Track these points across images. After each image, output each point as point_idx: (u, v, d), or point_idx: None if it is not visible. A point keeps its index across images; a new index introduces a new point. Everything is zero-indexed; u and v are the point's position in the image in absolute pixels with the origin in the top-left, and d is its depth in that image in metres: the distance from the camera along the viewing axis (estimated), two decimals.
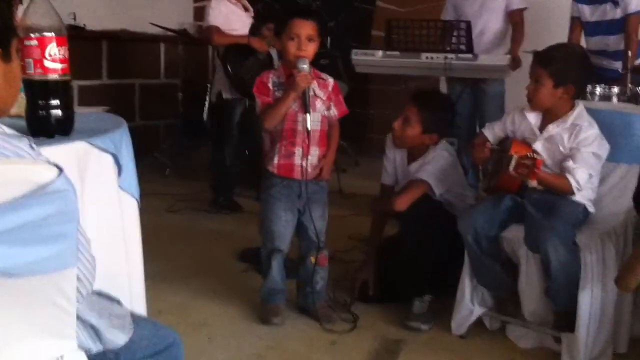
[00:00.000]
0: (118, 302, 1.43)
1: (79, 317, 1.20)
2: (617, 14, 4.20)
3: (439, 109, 3.05)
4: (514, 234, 2.62)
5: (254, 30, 4.54)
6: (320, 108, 2.76)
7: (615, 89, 3.73)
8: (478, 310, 2.73)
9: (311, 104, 2.69)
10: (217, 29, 4.36)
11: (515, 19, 4.56)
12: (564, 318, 2.54)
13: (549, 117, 2.72)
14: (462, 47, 4.27)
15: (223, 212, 4.48)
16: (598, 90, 3.71)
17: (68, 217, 1.08)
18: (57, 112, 1.69)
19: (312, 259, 2.83)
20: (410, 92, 3.25)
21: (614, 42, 4.28)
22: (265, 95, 2.74)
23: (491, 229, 2.61)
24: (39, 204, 1.03)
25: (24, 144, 1.10)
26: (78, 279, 1.15)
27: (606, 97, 3.71)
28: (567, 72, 2.63)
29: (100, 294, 1.38)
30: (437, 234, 2.76)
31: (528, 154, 2.46)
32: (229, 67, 4.35)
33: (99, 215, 1.69)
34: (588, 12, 4.34)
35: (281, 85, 2.72)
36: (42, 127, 1.68)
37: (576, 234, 2.50)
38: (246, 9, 4.55)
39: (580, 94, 2.82)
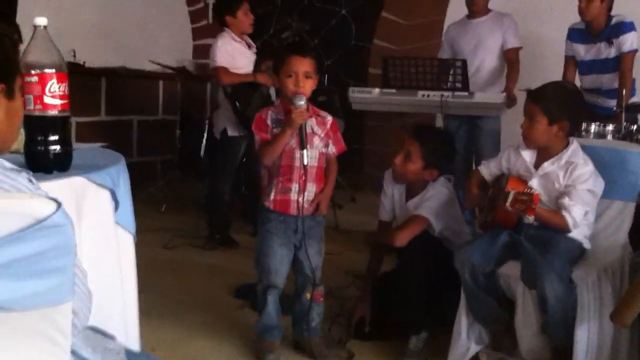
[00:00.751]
0: (112, 338, 1.42)
1: (73, 352, 1.19)
2: (612, 53, 4.26)
3: (440, 144, 3.07)
4: (511, 270, 2.62)
5: (256, 66, 4.61)
6: (318, 145, 2.78)
7: (610, 127, 3.77)
8: (474, 347, 2.72)
9: (308, 141, 2.71)
10: (225, 69, 4.42)
11: (510, 58, 4.63)
12: (561, 355, 2.52)
13: (544, 154, 2.74)
14: (458, 84, 4.33)
15: (219, 249, 4.47)
16: (593, 127, 3.75)
17: (65, 251, 1.09)
18: (56, 148, 1.70)
19: (308, 295, 2.81)
20: (410, 127, 3.28)
21: (608, 80, 4.33)
22: (263, 132, 2.76)
23: (488, 265, 2.61)
24: (37, 238, 1.03)
25: (22, 178, 1.11)
26: (74, 312, 1.14)
27: (601, 135, 3.75)
28: (561, 109, 2.66)
29: (95, 329, 1.37)
30: (435, 270, 2.76)
31: (525, 189, 2.47)
32: (237, 105, 4.40)
33: (95, 250, 1.69)
34: (582, 51, 4.40)
35: (279, 121, 2.74)
36: (40, 163, 1.69)
37: (572, 270, 2.50)
38: (249, 46, 4.63)
39: (575, 131, 2.85)
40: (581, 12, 4.24)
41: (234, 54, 4.47)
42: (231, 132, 4.50)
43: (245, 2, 4.52)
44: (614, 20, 4.24)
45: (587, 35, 4.36)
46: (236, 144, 4.51)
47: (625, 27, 4.20)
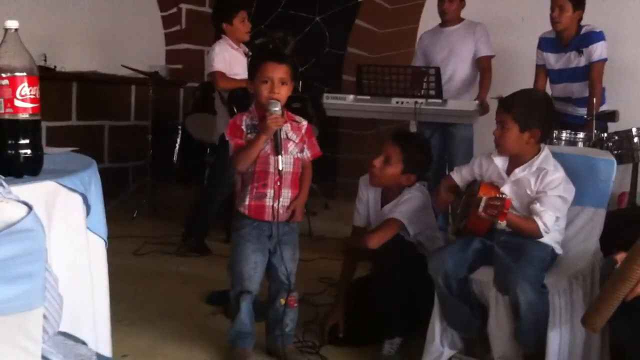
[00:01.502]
0: (83, 343, 1.41)
1: (44, 357, 1.17)
2: (582, 62, 4.32)
3: (420, 150, 3.09)
4: (483, 275, 2.64)
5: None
6: (293, 150, 2.78)
7: (581, 135, 3.83)
8: (448, 352, 2.73)
9: (283, 146, 2.71)
10: (222, 74, 4.44)
11: (483, 66, 4.68)
12: None
13: (515, 161, 2.77)
14: (432, 92, 4.36)
15: (191, 255, 4.44)
16: (564, 135, 3.81)
17: (36, 256, 1.07)
18: (26, 152, 1.68)
19: (282, 301, 2.80)
20: (389, 132, 3.29)
21: (578, 89, 4.40)
22: (237, 138, 2.75)
23: (460, 271, 2.62)
24: (7, 242, 1.01)
25: None
26: (45, 317, 1.13)
27: (572, 143, 3.80)
28: (532, 116, 2.70)
29: (66, 335, 1.36)
30: (409, 275, 2.77)
31: (497, 195, 2.50)
32: (235, 109, 4.40)
33: (66, 255, 1.67)
34: (553, 60, 4.46)
35: (254, 127, 2.73)
36: (10, 167, 1.66)
37: (544, 276, 2.53)
38: (246, 55, 4.65)
39: (546, 138, 2.88)
40: (553, 21, 4.30)
41: (231, 61, 4.49)
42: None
43: (242, 10, 4.57)
44: (583, 30, 4.31)
45: (557, 45, 4.42)
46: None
47: (594, 36, 4.27)
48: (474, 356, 2.74)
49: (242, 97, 4.40)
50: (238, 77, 4.50)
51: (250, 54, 4.69)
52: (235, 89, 4.45)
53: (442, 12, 4.75)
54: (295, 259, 2.84)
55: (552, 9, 4.28)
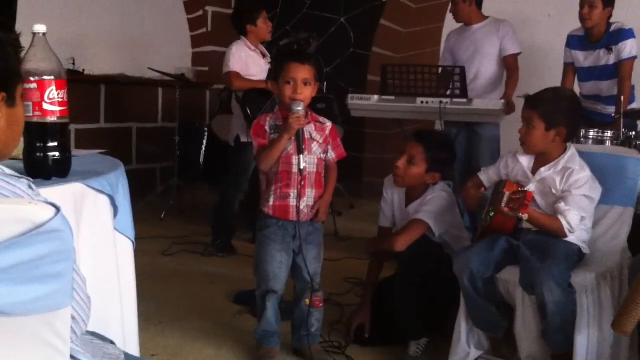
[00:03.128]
0: (111, 343, 1.43)
1: (72, 357, 1.19)
2: (611, 59, 4.27)
3: (443, 148, 3.08)
4: (510, 275, 2.62)
5: (271, 75, 4.64)
6: (317, 151, 2.79)
7: (609, 133, 3.78)
8: (474, 353, 2.71)
9: (307, 147, 2.72)
10: (237, 75, 4.49)
11: (509, 64, 4.63)
12: None
13: (541, 160, 2.74)
14: (457, 91, 4.33)
15: (218, 255, 4.48)
16: (592, 134, 3.76)
17: (64, 256, 1.09)
18: (55, 154, 1.71)
19: (307, 301, 2.81)
20: (413, 132, 3.28)
21: (607, 87, 4.34)
22: (261, 138, 2.77)
23: (487, 270, 2.61)
24: (36, 243, 1.03)
25: (22, 184, 1.12)
26: (73, 318, 1.14)
27: (600, 141, 3.76)
28: (558, 114, 2.67)
29: (94, 334, 1.38)
30: (435, 276, 2.76)
31: (519, 189, 2.48)
32: (248, 111, 4.43)
33: (94, 256, 1.70)
34: (582, 58, 4.41)
35: (278, 128, 2.75)
36: (39, 169, 1.69)
37: (571, 276, 2.50)
38: (264, 55, 4.70)
39: (572, 137, 2.85)
40: (583, 19, 4.25)
41: (248, 62, 4.54)
42: (243, 139, 4.52)
43: (263, 10, 4.64)
44: (613, 27, 4.25)
45: (586, 43, 4.37)
46: (248, 150, 4.52)
47: (624, 34, 4.22)
48: (500, 357, 2.73)
49: (257, 98, 4.43)
50: (254, 78, 4.53)
51: (268, 55, 4.72)
52: (249, 90, 4.48)
53: (455, 16, 4.74)
54: (320, 259, 2.85)
55: (582, 6, 4.23)
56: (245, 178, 4.53)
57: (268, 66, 4.69)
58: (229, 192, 4.61)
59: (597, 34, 4.28)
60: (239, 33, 4.64)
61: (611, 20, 4.28)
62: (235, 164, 4.59)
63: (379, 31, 6.58)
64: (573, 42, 4.45)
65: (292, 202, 2.74)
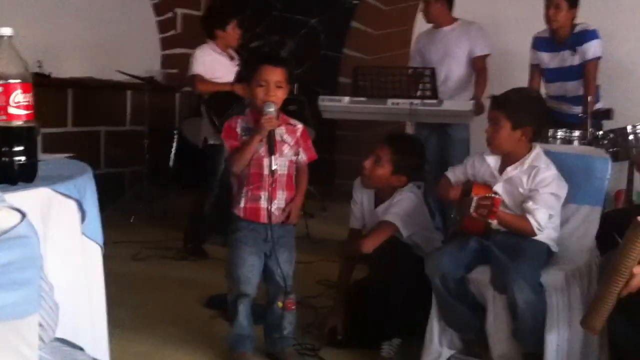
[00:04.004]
0: (81, 349, 1.41)
1: None
2: (576, 60, 4.33)
3: (411, 152, 3.10)
4: (481, 275, 2.64)
5: (240, 77, 4.62)
6: (288, 153, 2.78)
7: (577, 133, 3.84)
8: (447, 353, 2.73)
9: (278, 149, 2.72)
10: (201, 77, 4.49)
11: (478, 65, 4.68)
12: (532, 359, 2.54)
13: (507, 160, 2.78)
14: (427, 92, 4.36)
15: (189, 259, 4.45)
16: (559, 134, 3.81)
17: (30, 263, 1.07)
18: (21, 159, 1.68)
19: (280, 304, 2.80)
20: (384, 134, 3.29)
21: (573, 87, 4.40)
22: (233, 140, 2.77)
23: (458, 271, 2.63)
24: (1, 249, 1.02)
25: None
26: (40, 326, 1.13)
27: (567, 141, 3.81)
28: (524, 114, 2.71)
29: (63, 341, 1.36)
30: (405, 277, 2.77)
31: (487, 194, 2.50)
32: (212, 114, 4.41)
33: (62, 262, 1.67)
34: (547, 59, 4.47)
35: (249, 130, 2.75)
36: (4, 174, 1.66)
37: (541, 275, 2.53)
38: (232, 58, 4.68)
39: (538, 137, 2.89)
40: (549, 19, 4.30)
41: (213, 64, 4.53)
42: (211, 141, 4.50)
43: (235, 17, 4.65)
44: (577, 28, 4.31)
45: (551, 44, 4.42)
46: (217, 152, 4.50)
47: (589, 35, 4.28)
48: (473, 356, 2.74)
49: (221, 101, 4.41)
50: (220, 81, 4.51)
51: (237, 57, 4.70)
52: (214, 93, 4.46)
53: (427, 17, 4.77)
54: (291, 261, 2.84)
55: (547, 7, 4.28)
56: (215, 180, 4.52)
57: (236, 68, 4.67)
58: (201, 195, 4.59)
59: (562, 35, 4.34)
60: (207, 36, 4.63)
61: (576, 22, 4.34)
62: (204, 167, 4.57)
63: (349, 33, 6.59)
64: (539, 43, 4.50)
65: (263, 204, 2.74)
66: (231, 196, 2.90)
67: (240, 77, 4.61)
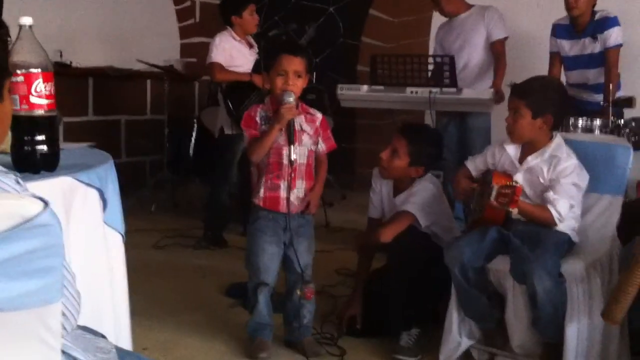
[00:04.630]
0: (103, 337, 1.42)
1: (64, 352, 1.18)
2: (597, 48, 4.27)
3: (427, 142, 3.08)
4: (500, 265, 2.63)
5: (258, 66, 4.61)
6: (307, 142, 2.78)
7: (598, 122, 3.79)
8: (466, 343, 2.72)
9: (297, 138, 2.72)
10: (220, 66, 4.46)
11: (497, 50, 4.62)
12: (552, 349, 2.53)
13: (528, 149, 2.75)
14: (447, 81, 4.33)
15: (209, 248, 4.47)
16: (580, 122, 3.77)
17: (53, 251, 1.08)
18: (43, 148, 1.69)
19: (299, 293, 2.81)
20: (399, 124, 3.29)
21: (593, 75, 4.35)
22: (252, 129, 2.77)
23: (477, 260, 2.61)
24: (24, 237, 1.02)
25: (10, 179, 1.11)
26: (63, 314, 1.14)
27: (588, 130, 3.76)
28: (545, 102, 2.68)
29: (85, 329, 1.37)
30: (424, 266, 2.76)
31: (508, 182, 2.49)
32: (229, 103, 4.41)
33: (84, 250, 1.69)
34: (567, 47, 4.42)
35: (269, 119, 2.75)
36: (27, 163, 1.68)
37: (561, 265, 2.51)
38: (250, 46, 4.65)
39: (559, 125, 2.86)
40: (570, 7, 4.25)
41: (232, 52, 4.51)
42: (227, 131, 4.50)
43: (251, 3, 4.58)
44: (597, 16, 4.26)
45: (571, 31, 4.37)
46: (233, 142, 4.51)
47: (609, 22, 4.22)
48: (492, 346, 2.74)
49: (239, 90, 4.40)
50: (239, 69, 4.49)
51: (256, 46, 4.69)
52: (233, 82, 4.44)
53: (441, 11, 4.72)
54: (311, 251, 2.85)
55: None
56: (232, 169, 4.53)
57: (255, 57, 4.66)
58: (217, 184, 4.60)
59: (582, 22, 4.29)
60: (224, 23, 4.61)
61: (596, 9, 4.28)
62: (220, 156, 4.58)
63: (368, 21, 6.56)
64: (558, 31, 4.46)
65: (283, 193, 2.74)
66: (250, 185, 2.91)
67: (258, 67, 4.61)
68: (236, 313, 3.27)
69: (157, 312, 3.22)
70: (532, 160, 2.72)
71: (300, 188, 2.77)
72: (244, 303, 3.19)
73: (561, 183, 2.62)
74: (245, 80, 4.46)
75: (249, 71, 4.55)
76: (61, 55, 5.50)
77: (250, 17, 4.56)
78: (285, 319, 2.91)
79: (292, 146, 2.68)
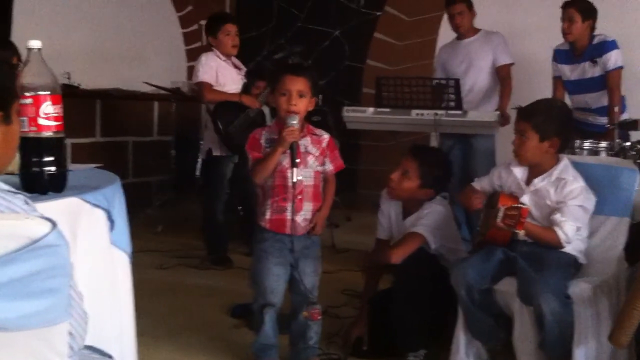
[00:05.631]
0: (109, 357, 1.42)
1: None
2: (597, 71, 4.30)
3: (438, 165, 3.09)
4: (507, 286, 2.62)
5: (246, 88, 4.62)
6: (313, 164, 2.79)
7: (604, 144, 3.79)
8: None
9: (302, 160, 2.72)
10: (209, 85, 4.43)
11: (502, 75, 4.66)
12: None
13: (534, 171, 2.76)
14: (452, 103, 4.35)
15: (214, 268, 4.47)
16: (586, 145, 3.78)
17: (60, 271, 1.09)
18: (51, 169, 1.71)
19: (305, 314, 2.80)
20: (409, 146, 3.29)
21: (596, 98, 4.37)
22: (256, 151, 2.78)
23: (483, 282, 2.61)
24: (30, 258, 1.03)
25: (19, 200, 1.12)
26: (70, 334, 1.14)
27: (594, 152, 3.77)
28: (552, 125, 2.69)
29: (92, 349, 1.37)
30: (431, 288, 2.76)
31: (514, 204, 2.49)
32: (219, 124, 4.40)
33: (91, 270, 1.69)
34: (568, 71, 4.45)
35: (273, 141, 2.75)
36: (35, 184, 1.69)
37: (568, 286, 2.50)
38: (237, 67, 4.63)
39: (565, 148, 2.87)
40: (564, 33, 4.30)
41: (219, 70, 4.47)
42: (215, 152, 4.49)
43: (227, 23, 4.52)
44: (596, 40, 4.29)
45: (571, 56, 4.40)
46: (221, 163, 4.50)
47: (607, 45, 4.25)
48: None
49: (229, 111, 4.38)
50: (226, 89, 4.46)
51: (243, 68, 4.67)
52: (222, 102, 4.41)
53: (455, 27, 4.75)
54: (317, 272, 2.84)
55: (563, 20, 4.28)
56: (222, 189, 4.51)
57: (242, 78, 4.62)
58: (209, 205, 4.59)
59: (580, 47, 4.32)
60: (209, 44, 4.58)
61: (595, 33, 4.30)
62: (209, 178, 4.56)
63: (373, 44, 6.60)
64: (559, 55, 4.49)
65: (289, 215, 2.74)
66: (254, 205, 2.91)
67: (246, 88, 4.60)
68: (241, 333, 3.26)
69: (162, 333, 3.21)
70: (538, 182, 2.72)
71: (307, 210, 2.77)
72: (249, 323, 3.18)
73: (568, 205, 2.62)
74: (234, 101, 4.45)
75: (236, 91, 4.51)
76: (69, 77, 5.54)
77: (225, 38, 4.47)
78: (291, 340, 2.90)
79: (294, 169, 2.67)
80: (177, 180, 5.78)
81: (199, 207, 5.40)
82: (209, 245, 4.62)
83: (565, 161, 2.75)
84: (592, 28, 4.29)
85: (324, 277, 2.94)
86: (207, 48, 4.72)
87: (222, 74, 4.49)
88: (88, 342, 1.27)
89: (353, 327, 3.09)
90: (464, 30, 4.72)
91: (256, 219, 2.85)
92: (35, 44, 1.69)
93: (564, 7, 4.29)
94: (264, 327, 2.81)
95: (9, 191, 1.12)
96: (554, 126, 2.70)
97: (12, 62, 1.27)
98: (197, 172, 5.74)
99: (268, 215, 2.77)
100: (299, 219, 2.75)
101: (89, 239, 1.70)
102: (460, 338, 2.70)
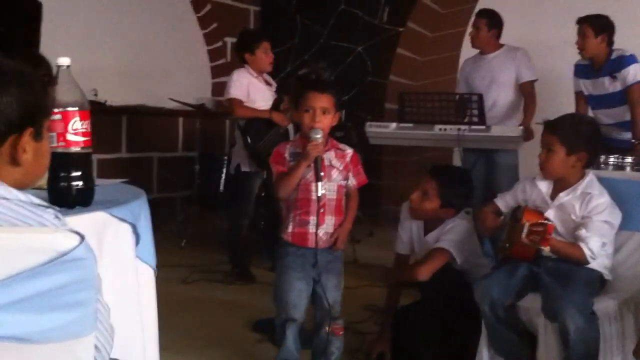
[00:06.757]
0: None
1: None
2: (617, 87, 4.27)
3: (458, 184, 3.09)
4: (531, 302, 2.60)
5: (276, 104, 4.65)
6: (337, 178, 2.80)
7: (629, 159, 3.76)
8: None
9: (326, 174, 2.74)
10: (239, 102, 4.47)
11: (526, 91, 4.64)
12: None
13: (560, 185, 2.73)
14: (475, 118, 4.34)
15: (237, 283, 4.48)
16: (612, 160, 3.75)
17: (87, 284, 1.10)
18: (78, 184, 1.73)
19: (327, 329, 2.80)
20: (428, 166, 3.29)
21: (619, 113, 4.33)
22: (280, 165, 2.80)
23: (507, 298, 2.59)
24: (57, 272, 1.04)
25: (49, 214, 1.14)
26: (96, 347, 1.15)
27: (620, 167, 3.74)
28: (579, 139, 2.67)
29: None
30: (456, 303, 2.74)
31: (539, 221, 2.47)
32: (249, 140, 4.44)
33: (116, 284, 1.71)
34: (589, 87, 4.42)
35: (297, 155, 2.78)
36: (63, 198, 1.71)
37: (594, 302, 2.48)
38: (268, 84, 4.66)
39: (592, 162, 2.84)
40: (579, 49, 4.28)
41: (250, 88, 4.50)
42: (244, 168, 4.53)
43: (264, 41, 4.58)
44: (614, 55, 4.27)
45: (590, 71, 4.38)
46: (249, 179, 4.54)
47: (626, 60, 4.22)
48: None
49: (259, 127, 4.41)
50: (256, 106, 4.49)
51: (274, 84, 4.71)
52: (252, 119, 4.45)
53: (474, 45, 4.76)
54: (339, 287, 2.85)
55: (577, 36, 4.26)
56: (249, 205, 4.54)
57: (272, 94, 4.65)
58: (234, 220, 4.63)
59: (598, 62, 4.30)
60: (240, 61, 4.60)
61: (614, 47, 4.27)
62: (236, 193, 4.59)
63: (395, 59, 6.62)
64: (579, 70, 4.48)
65: (311, 229, 2.75)
66: (278, 220, 2.93)
67: (277, 105, 4.63)
68: (264, 348, 3.27)
69: (185, 347, 3.22)
70: (564, 196, 2.70)
71: (329, 224, 2.78)
72: (272, 338, 3.18)
73: (593, 220, 2.60)
74: (265, 117, 4.48)
75: (266, 108, 4.54)
76: (96, 94, 5.62)
77: (263, 55, 4.52)
78: (314, 355, 2.90)
79: (319, 183, 2.69)
80: (200, 196, 5.82)
81: (222, 222, 5.43)
82: (233, 260, 4.64)
83: (590, 176, 2.72)
84: (610, 43, 4.26)
85: (347, 292, 2.94)
86: (232, 64, 4.77)
87: (254, 91, 4.53)
88: (112, 355, 1.28)
89: (375, 343, 3.08)
90: (477, 45, 4.72)
91: (280, 232, 2.87)
92: (64, 61, 1.73)
93: (578, 22, 4.28)
94: (287, 342, 2.81)
95: (40, 205, 1.14)
96: (581, 140, 2.68)
97: (44, 79, 1.29)
98: (221, 188, 5.79)
99: (291, 229, 2.79)
100: (321, 232, 2.76)
101: (115, 252, 1.72)
102: (484, 354, 2.68)
